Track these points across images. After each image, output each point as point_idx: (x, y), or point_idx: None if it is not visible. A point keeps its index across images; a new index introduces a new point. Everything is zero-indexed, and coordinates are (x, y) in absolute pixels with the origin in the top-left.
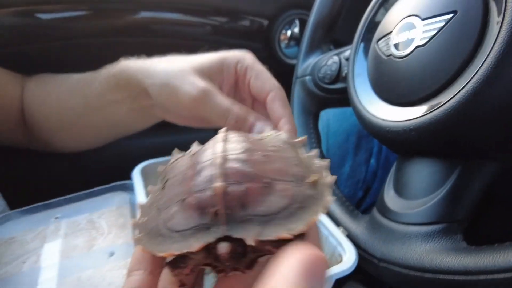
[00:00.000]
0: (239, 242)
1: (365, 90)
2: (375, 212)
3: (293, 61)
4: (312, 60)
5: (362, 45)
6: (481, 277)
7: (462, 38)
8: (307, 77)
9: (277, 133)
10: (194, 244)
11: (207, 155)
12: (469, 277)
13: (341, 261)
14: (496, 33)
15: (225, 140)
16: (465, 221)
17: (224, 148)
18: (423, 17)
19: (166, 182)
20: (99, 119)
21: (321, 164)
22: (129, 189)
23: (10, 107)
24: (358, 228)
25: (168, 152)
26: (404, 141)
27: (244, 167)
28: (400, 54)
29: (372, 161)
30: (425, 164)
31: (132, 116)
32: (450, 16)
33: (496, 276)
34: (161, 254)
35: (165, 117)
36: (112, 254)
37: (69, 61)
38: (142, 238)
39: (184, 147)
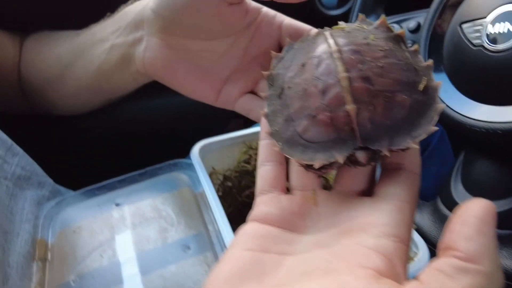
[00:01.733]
0: (372, 150)
1: (439, 77)
2: (439, 203)
3: (333, 12)
4: None
5: (434, 20)
6: None
7: None
8: None
9: (373, 26)
10: (338, 155)
11: (325, 71)
12: None
13: (413, 257)
14: None
15: (336, 51)
16: None
17: (342, 62)
18: None
19: (282, 90)
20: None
21: (426, 65)
22: (184, 168)
23: (12, 72)
24: (422, 218)
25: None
26: (483, 142)
27: (367, 84)
28: (497, 48)
29: None
30: (500, 165)
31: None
32: None
33: None
34: (310, 163)
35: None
36: (187, 247)
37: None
38: (283, 147)
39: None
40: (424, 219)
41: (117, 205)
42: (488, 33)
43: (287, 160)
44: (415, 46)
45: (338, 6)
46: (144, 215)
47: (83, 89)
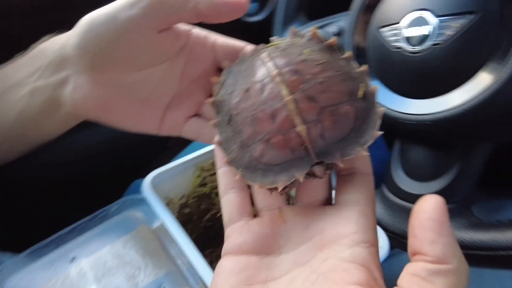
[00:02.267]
0: (327, 163)
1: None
2: (385, 190)
3: (253, 19)
4: None
5: (355, 24)
6: (502, 252)
7: (481, 39)
8: None
9: (305, 38)
10: (298, 174)
11: (270, 96)
12: (487, 252)
13: None
14: None
15: (277, 74)
16: (472, 196)
17: (284, 85)
18: (438, 13)
19: (230, 117)
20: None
21: (360, 70)
22: (138, 204)
23: None
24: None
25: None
26: (415, 131)
27: (312, 103)
28: (414, 49)
29: None
30: (431, 150)
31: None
32: (468, 16)
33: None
34: (273, 186)
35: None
36: None
37: None
38: (243, 174)
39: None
40: (376, 207)
41: (73, 259)
42: (405, 36)
43: (248, 185)
44: (348, 53)
45: (258, 12)
46: (106, 265)
47: (2, 138)
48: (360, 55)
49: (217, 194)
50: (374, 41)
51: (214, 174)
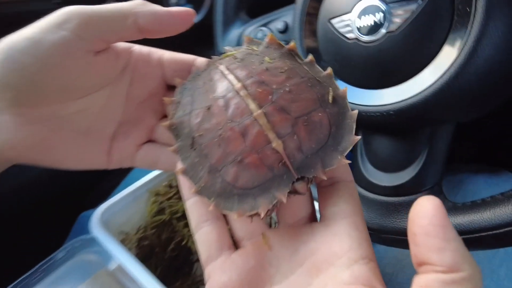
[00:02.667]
0: (309, 177)
1: None
2: (356, 186)
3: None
4: (235, 32)
5: (303, 18)
6: (482, 234)
7: (435, 22)
8: None
9: (263, 45)
10: (280, 194)
11: (237, 112)
12: (468, 236)
13: None
14: (471, 19)
15: (241, 87)
16: (442, 180)
17: (251, 98)
18: (388, 0)
19: (193, 140)
20: None
21: (326, 74)
22: (90, 245)
23: None
24: None
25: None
26: (380, 123)
27: (284, 114)
28: (369, 39)
29: None
30: (396, 140)
31: None
32: (419, 1)
33: (496, 231)
34: (253, 212)
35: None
36: None
37: None
38: (217, 203)
39: None
40: None
41: None
42: (358, 26)
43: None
44: (310, 57)
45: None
46: None
47: None
48: (312, 50)
49: (178, 219)
50: (326, 34)
51: (172, 197)
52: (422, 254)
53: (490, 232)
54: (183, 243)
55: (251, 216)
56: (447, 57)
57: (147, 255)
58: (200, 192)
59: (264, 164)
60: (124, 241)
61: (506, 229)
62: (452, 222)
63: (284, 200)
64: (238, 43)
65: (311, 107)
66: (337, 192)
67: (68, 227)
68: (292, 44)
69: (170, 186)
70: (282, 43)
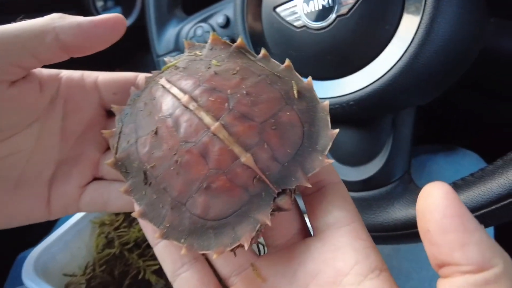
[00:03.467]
0: (290, 189)
1: None
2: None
3: None
4: (171, 32)
5: (245, 10)
6: None
7: (388, 3)
8: (175, 54)
9: (206, 48)
10: (263, 217)
11: (191, 129)
12: None
13: None
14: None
15: (189, 99)
16: (410, 168)
17: (204, 111)
18: None
19: (145, 174)
20: None
21: (284, 67)
22: None
23: None
24: None
25: None
26: (341, 115)
27: (247, 122)
28: (318, 25)
29: None
30: (361, 130)
31: None
32: None
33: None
34: (236, 245)
35: None
36: None
37: None
38: (190, 243)
39: None
40: None
41: None
42: (305, 12)
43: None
44: (263, 52)
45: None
46: None
47: None
48: (258, 43)
49: (130, 250)
50: (272, 24)
51: (120, 227)
52: (442, 254)
53: (477, 213)
54: (140, 276)
55: (234, 249)
56: (404, 38)
57: None
58: (166, 235)
59: (236, 185)
60: (69, 286)
61: (483, 211)
62: None
63: (269, 222)
64: (177, 43)
65: (276, 107)
66: (326, 198)
67: (4, 270)
68: (239, 40)
69: (116, 214)
70: (227, 40)
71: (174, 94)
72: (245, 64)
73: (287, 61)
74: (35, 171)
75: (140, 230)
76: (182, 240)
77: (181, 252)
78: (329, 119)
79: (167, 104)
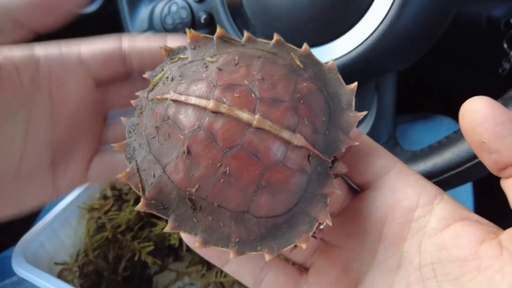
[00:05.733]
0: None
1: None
2: None
3: (86, 10)
4: (144, 11)
5: None
6: (452, 172)
7: None
8: (150, 33)
9: (186, 51)
10: (330, 189)
11: (229, 133)
12: (436, 179)
13: None
14: None
15: (218, 103)
16: (395, 131)
17: (234, 109)
18: None
19: (190, 199)
20: None
21: (274, 42)
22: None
23: None
24: None
25: None
26: None
27: (281, 105)
28: None
29: None
30: None
31: None
32: None
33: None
34: (316, 225)
35: None
36: None
37: None
38: (271, 246)
39: None
40: None
41: None
42: None
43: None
44: (246, 35)
45: (91, 0)
46: None
47: None
48: (237, 15)
49: (122, 233)
50: None
51: (110, 210)
52: (503, 157)
53: (453, 172)
54: (136, 258)
55: (315, 232)
56: (385, 4)
57: (95, 282)
58: (240, 250)
59: (294, 170)
60: (62, 274)
61: (458, 169)
62: (416, 170)
63: (338, 191)
64: (151, 22)
65: (292, 82)
66: (361, 153)
67: None
68: (218, 30)
69: (105, 197)
70: (202, 33)
71: (195, 103)
72: (237, 52)
73: (276, 36)
74: (33, 158)
75: (131, 212)
76: (259, 248)
77: (265, 259)
78: (340, 77)
79: (189, 117)
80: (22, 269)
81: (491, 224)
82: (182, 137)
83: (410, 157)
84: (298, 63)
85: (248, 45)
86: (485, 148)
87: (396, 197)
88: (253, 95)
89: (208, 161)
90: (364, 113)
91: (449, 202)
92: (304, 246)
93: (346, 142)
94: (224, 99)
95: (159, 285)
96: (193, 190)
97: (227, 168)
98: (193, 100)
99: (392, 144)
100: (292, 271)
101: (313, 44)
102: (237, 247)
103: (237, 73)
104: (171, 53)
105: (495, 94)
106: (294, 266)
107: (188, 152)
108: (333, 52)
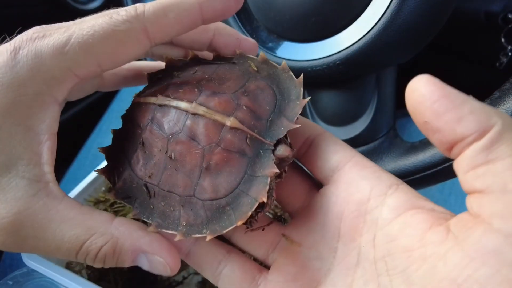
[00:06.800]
0: (284, 139)
1: (263, 33)
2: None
3: (88, 6)
4: None
5: None
6: (445, 165)
7: None
8: None
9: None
10: (270, 170)
11: (173, 122)
12: (434, 169)
13: None
14: None
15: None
16: (395, 124)
17: (184, 100)
18: None
19: (146, 185)
20: None
21: (238, 54)
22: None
23: None
24: None
25: None
26: (327, 76)
27: (221, 97)
28: None
29: None
30: (346, 91)
31: None
32: None
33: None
34: (257, 204)
35: None
36: None
37: None
38: (214, 228)
39: None
40: None
41: None
42: None
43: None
44: (213, 54)
45: None
46: None
47: None
48: (240, 10)
49: None
50: None
51: (114, 203)
52: (445, 136)
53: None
54: None
55: (250, 220)
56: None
57: (103, 273)
58: (187, 233)
59: (233, 152)
60: (70, 265)
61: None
62: (416, 160)
63: (276, 170)
64: None
65: (242, 82)
66: (320, 149)
67: None
68: (191, 53)
69: (110, 190)
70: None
71: (147, 101)
72: (202, 66)
73: (238, 51)
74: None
75: None
76: (204, 231)
77: (206, 240)
78: (292, 74)
79: (142, 113)
80: (31, 260)
81: (448, 212)
82: (139, 131)
83: (409, 148)
84: (253, 67)
85: (217, 61)
86: (429, 128)
87: (349, 191)
88: (196, 89)
89: (158, 149)
90: (308, 99)
91: (403, 191)
92: (239, 223)
93: (288, 126)
94: (171, 96)
95: (164, 276)
96: (147, 177)
97: (172, 154)
98: (147, 99)
99: (392, 136)
100: (251, 267)
101: (315, 38)
102: (184, 230)
103: (192, 77)
104: (151, 76)
105: (493, 87)
106: (257, 262)
107: (143, 143)
108: (334, 46)
